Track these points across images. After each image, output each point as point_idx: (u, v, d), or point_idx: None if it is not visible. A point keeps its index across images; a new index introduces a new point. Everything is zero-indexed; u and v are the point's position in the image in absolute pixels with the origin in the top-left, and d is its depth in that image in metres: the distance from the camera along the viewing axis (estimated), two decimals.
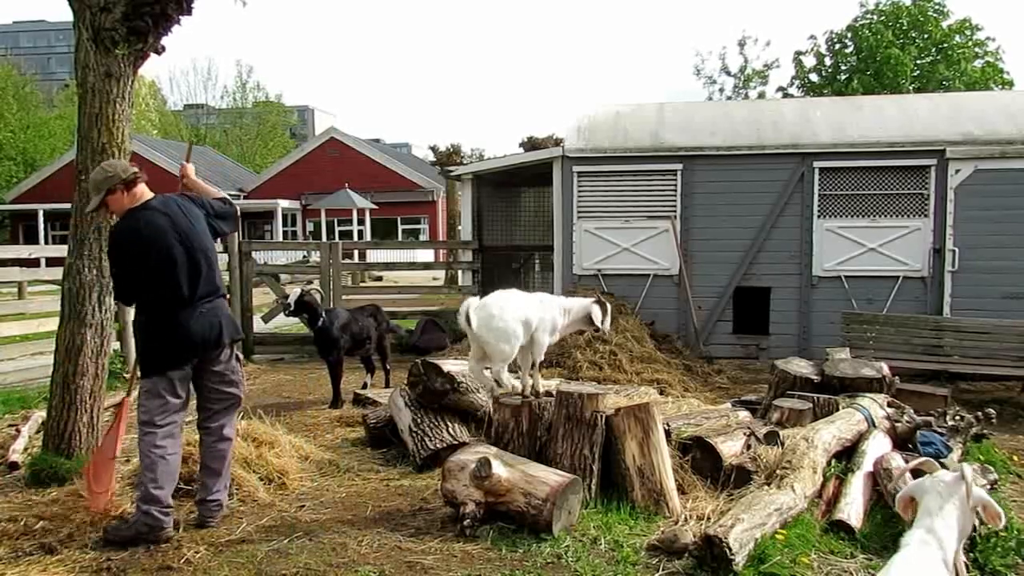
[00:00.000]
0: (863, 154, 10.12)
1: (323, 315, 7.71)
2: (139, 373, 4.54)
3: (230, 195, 5.08)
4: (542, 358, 5.68)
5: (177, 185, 4.96)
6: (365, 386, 8.46)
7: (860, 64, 31.50)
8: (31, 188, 35.82)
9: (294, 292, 7.65)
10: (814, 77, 33.19)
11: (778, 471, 4.81)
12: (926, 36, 31.39)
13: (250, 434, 5.56)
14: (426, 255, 29.86)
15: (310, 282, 7.86)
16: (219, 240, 4.82)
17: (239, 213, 4.92)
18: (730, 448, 5.17)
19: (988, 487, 5.04)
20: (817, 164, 10.20)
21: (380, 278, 23.34)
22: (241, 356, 4.81)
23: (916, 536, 2.76)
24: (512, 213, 13.31)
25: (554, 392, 5.23)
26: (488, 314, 5.20)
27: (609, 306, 5.79)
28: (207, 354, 4.53)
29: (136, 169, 4.60)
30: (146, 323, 4.51)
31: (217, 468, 4.63)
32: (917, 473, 4.56)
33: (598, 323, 5.63)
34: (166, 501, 4.38)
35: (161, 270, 4.37)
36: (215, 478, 4.62)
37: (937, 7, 31.47)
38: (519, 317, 5.27)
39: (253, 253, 11.50)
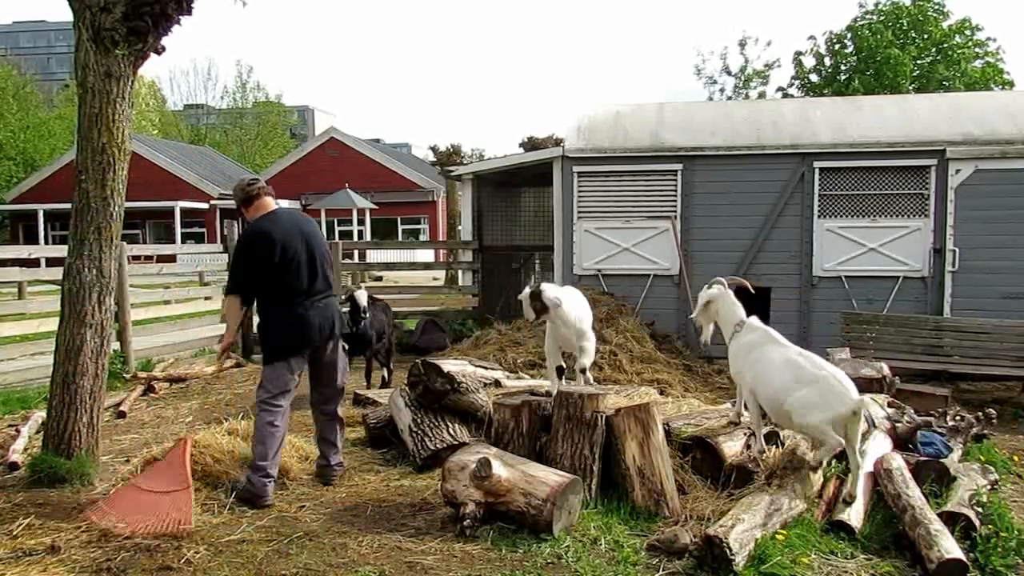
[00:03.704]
0: (863, 154, 10.11)
1: (365, 317, 7.77)
2: (262, 361, 5.20)
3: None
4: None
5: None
6: (367, 386, 8.47)
7: (860, 64, 31.44)
8: (31, 188, 35.81)
9: (361, 294, 7.75)
10: (814, 77, 33.11)
11: (778, 471, 4.82)
12: (926, 36, 31.33)
13: (250, 433, 5.54)
14: (426, 255, 29.87)
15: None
16: None
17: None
18: (730, 448, 5.17)
19: (988, 487, 5.04)
20: (817, 164, 10.20)
21: (380, 278, 23.32)
22: (345, 347, 5.56)
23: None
24: (512, 213, 13.31)
25: (554, 392, 5.23)
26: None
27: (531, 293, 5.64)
28: (323, 343, 5.20)
29: (256, 187, 5.20)
30: (273, 315, 5.13)
31: (332, 439, 5.42)
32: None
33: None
34: (270, 471, 4.96)
35: (288, 265, 5.00)
36: (331, 448, 5.42)
37: (937, 7, 31.41)
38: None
39: None
